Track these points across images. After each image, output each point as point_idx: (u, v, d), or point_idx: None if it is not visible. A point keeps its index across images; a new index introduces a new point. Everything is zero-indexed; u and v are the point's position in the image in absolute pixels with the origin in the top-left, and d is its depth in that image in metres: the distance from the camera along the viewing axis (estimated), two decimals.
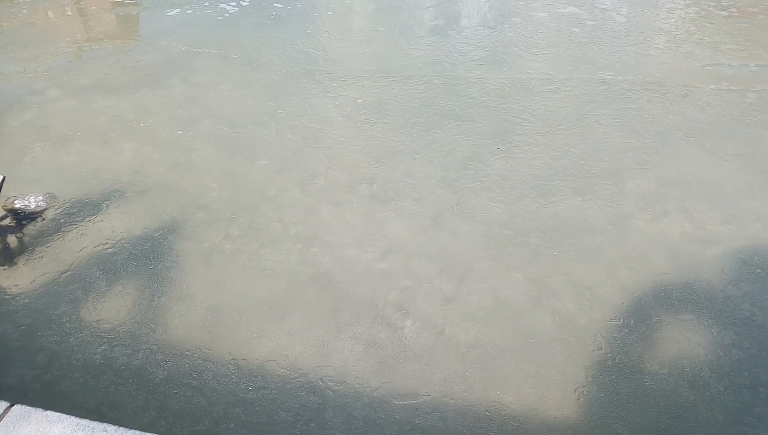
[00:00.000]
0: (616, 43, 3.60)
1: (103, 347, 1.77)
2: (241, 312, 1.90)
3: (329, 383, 1.68)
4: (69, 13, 4.24)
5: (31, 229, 2.24)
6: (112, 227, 2.26)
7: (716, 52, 3.44)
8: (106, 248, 2.15)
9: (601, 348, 1.77)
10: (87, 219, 2.29)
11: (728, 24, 3.86)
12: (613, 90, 3.08)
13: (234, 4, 4.14)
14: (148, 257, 2.11)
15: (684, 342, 1.77)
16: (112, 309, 1.90)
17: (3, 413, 1.39)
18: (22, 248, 2.15)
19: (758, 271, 2.01)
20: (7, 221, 2.27)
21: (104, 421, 1.39)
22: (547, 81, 3.19)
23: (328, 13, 4.16)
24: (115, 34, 3.97)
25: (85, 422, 1.38)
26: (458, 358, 1.76)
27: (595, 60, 3.39)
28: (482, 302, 1.95)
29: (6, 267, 2.07)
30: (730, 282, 1.97)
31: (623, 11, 4.01)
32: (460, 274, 2.06)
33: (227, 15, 3.99)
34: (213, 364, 1.72)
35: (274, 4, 4.17)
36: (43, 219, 2.29)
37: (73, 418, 1.39)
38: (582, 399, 1.63)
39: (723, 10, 4.03)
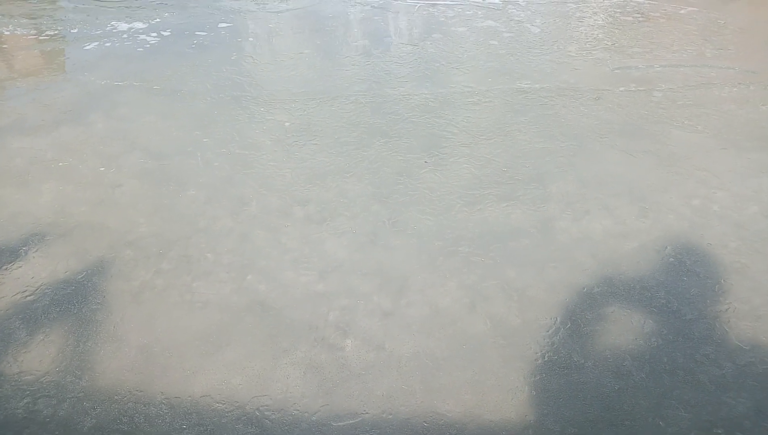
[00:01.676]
0: (532, 53, 3.77)
1: (25, 400, 1.69)
2: (173, 349, 1.85)
3: (267, 413, 1.66)
4: None
5: None
6: (32, 273, 2.16)
7: (624, 56, 3.67)
8: (26, 296, 2.05)
9: (532, 348, 1.83)
10: (4, 267, 2.18)
11: (633, 29, 4.13)
12: (530, 98, 3.22)
13: (155, 34, 4.07)
14: (71, 301, 2.03)
15: (607, 334, 1.86)
16: (34, 359, 1.82)
17: None
18: None
19: (671, 259, 2.14)
20: None
21: None
22: (468, 93, 3.31)
23: (250, 39, 4.16)
24: (30, 72, 3.82)
25: None
26: (397, 373, 1.78)
27: (513, 70, 3.54)
28: (419, 314, 1.98)
29: None
30: (646, 273, 2.10)
31: (537, 22, 4.22)
32: (397, 288, 2.09)
33: (148, 46, 3.92)
34: (145, 406, 1.67)
35: (196, 33, 4.13)
36: None
37: None
38: (516, 400, 1.68)
39: (628, 16, 4.31)
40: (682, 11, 4.39)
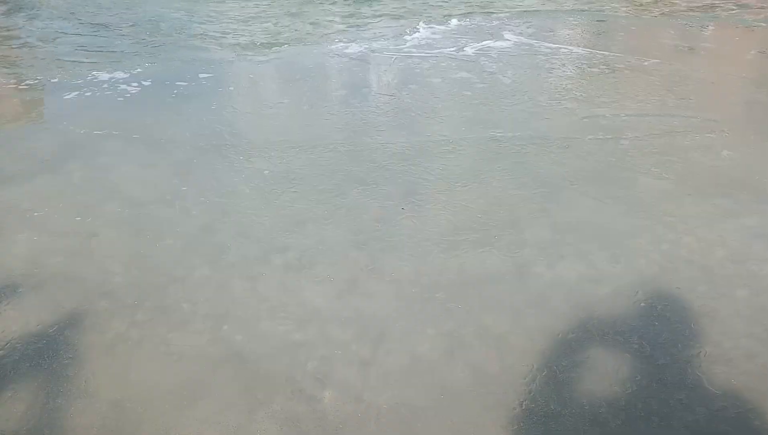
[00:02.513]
0: (504, 103, 3.91)
1: None
2: (147, 403, 1.81)
3: None
4: None
5: None
6: (2, 327, 2.11)
7: (592, 106, 3.83)
8: None
9: (510, 396, 1.84)
10: None
11: (600, 80, 4.32)
12: (503, 146, 3.32)
13: (136, 84, 4.13)
14: (42, 356, 1.98)
15: (583, 381, 1.88)
16: (0, 418, 1.76)
17: None
18: None
19: (643, 304, 2.19)
20: None
21: None
22: (444, 142, 3.40)
23: (230, 89, 4.24)
24: (8, 120, 3.83)
25: None
26: (376, 425, 1.76)
27: (486, 119, 3.67)
28: (398, 362, 1.98)
29: None
30: (619, 318, 2.14)
31: (508, 73, 4.39)
32: (376, 336, 2.09)
33: (129, 96, 3.96)
34: None
35: (177, 83, 4.20)
36: None
37: None
38: None
39: (595, 67, 4.51)
40: (646, 63, 4.62)
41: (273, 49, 5.02)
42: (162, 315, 2.17)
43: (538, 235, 2.61)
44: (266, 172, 3.12)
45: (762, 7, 6.36)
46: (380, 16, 5.99)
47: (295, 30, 5.56)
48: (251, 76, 4.54)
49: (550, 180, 3.02)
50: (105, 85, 4.10)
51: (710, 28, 5.88)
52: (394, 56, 4.76)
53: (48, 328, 2.11)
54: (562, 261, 2.45)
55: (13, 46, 5.18)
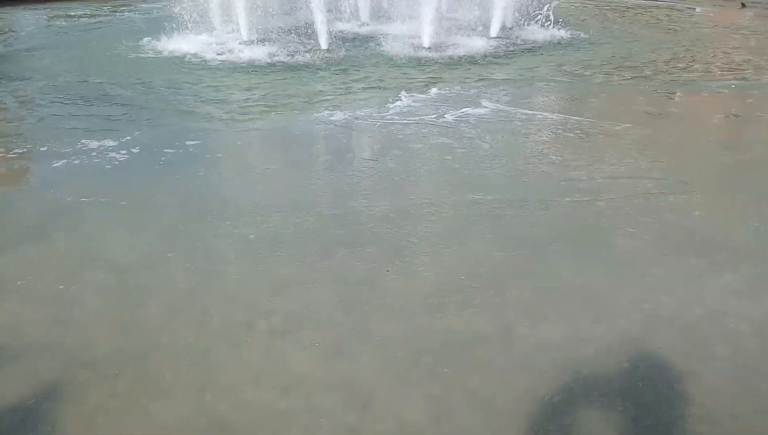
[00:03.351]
0: (483, 167, 4.05)
1: None
2: None
3: None
4: None
5: None
6: None
7: (568, 169, 3.97)
8: None
9: None
10: None
11: (575, 144, 4.51)
12: (484, 209, 3.42)
13: (124, 152, 4.21)
14: (17, 430, 1.92)
15: None
16: None
17: None
18: None
19: (626, 365, 2.22)
20: None
21: None
22: (426, 205, 3.49)
23: (218, 156, 4.34)
24: None
25: None
26: None
27: (467, 183, 3.78)
28: (385, 430, 1.96)
29: None
30: (603, 379, 2.15)
31: (487, 139, 4.57)
32: (362, 402, 2.07)
33: (117, 163, 4.03)
34: None
35: (166, 150, 4.29)
36: None
37: None
38: None
39: (569, 132, 4.72)
40: (617, 127, 4.85)
41: (261, 117, 5.17)
42: (144, 384, 2.14)
43: (520, 296, 2.66)
44: (252, 236, 3.16)
45: (723, 74, 6.75)
46: (364, 85, 6.24)
47: (283, 100, 5.76)
48: (239, 143, 4.66)
49: (531, 241, 3.10)
50: (94, 153, 4.17)
51: (677, 94, 6.21)
52: (378, 123, 4.93)
53: (25, 401, 2.05)
54: (545, 322, 2.48)
55: (2, 115, 5.28)
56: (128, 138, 4.45)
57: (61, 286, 2.73)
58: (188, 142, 4.44)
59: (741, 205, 3.53)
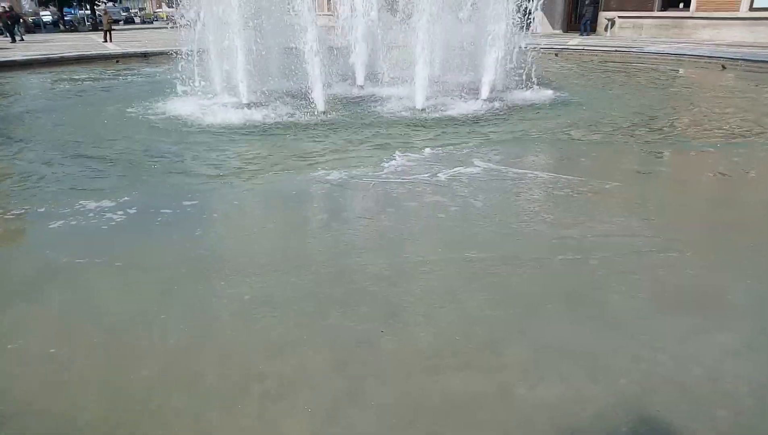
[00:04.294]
0: (477, 225, 4.11)
1: None
2: None
3: None
4: None
5: None
6: None
7: (559, 227, 4.03)
8: None
9: None
10: None
11: (566, 203, 4.59)
12: (478, 267, 3.44)
13: (121, 212, 4.25)
14: None
15: None
16: None
17: None
18: None
19: (624, 428, 2.18)
20: None
21: None
22: (421, 263, 3.51)
23: (214, 215, 4.39)
24: None
25: None
26: None
27: (460, 241, 3.82)
28: None
29: None
30: None
31: (479, 197, 4.65)
32: None
33: (113, 223, 4.06)
34: None
35: (162, 210, 4.34)
36: None
37: None
38: None
39: (560, 191, 4.81)
40: (607, 186, 4.95)
41: (258, 177, 5.27)
42: None
43: (517, 355, 2.64)
44: (246, 296, 3.15)
45: (709, 133, 6.96)
46: (360, 145, 6.40)
47: (280, 159, 5.88)
48: (235, 202, 4.72)
49: (525, 300, 3.10)
50: (91, 214, 4.21)
51: (664, 152, 6.38)
52: (373, 182, 5.02)
53: None
54: (542, 382, 2.46)
55: (3, 175, 5.35)
56: (126, 198, 4.51)
57: (53, 350, 2.69)
58: (185, 202, 4.49)
59: (732, 263, 3.57)
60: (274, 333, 2.84)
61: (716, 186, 5.25)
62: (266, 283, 3.32)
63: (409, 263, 3.54)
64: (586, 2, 23.61)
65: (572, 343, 2.72)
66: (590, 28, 23.56)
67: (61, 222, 4.10)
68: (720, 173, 5.52)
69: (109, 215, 4.19)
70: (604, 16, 23.98)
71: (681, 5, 21.45)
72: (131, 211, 4.29)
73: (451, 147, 6.18)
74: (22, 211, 4.44)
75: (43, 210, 4.39)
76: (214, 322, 2.93)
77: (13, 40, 24.36)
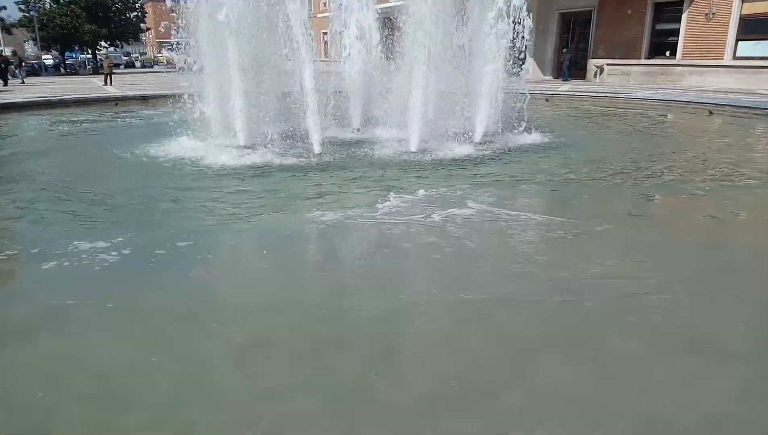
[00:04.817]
0: (472, 267, 4.12)
1: None
2: None
3: None
4: None
5: None
6: None
7: (553, 269, 4.04)
8: None
9: None
10: None
11: (559, 244, 4.61)
12: (473, 309, 3.43)
13: (115, 253, 4.23)
14: None
15: None
16: None
17: None
18: None
19: None
20: None
21: None
22: (416, 304, 3.50)
23: (209, 256, 4.38)
24: None
25: None
26: None
27: (455, 282, 3.82)
28: None
29: None
30: None
31: (474, 238, 4.68)
32: None
33: (107, 265, 4.04)
34: None
35: (156, 251, 4.32)
36: None
37: None
38: None
39: (553, 233, 4.84)
40: (599, 228, 4.99)
41: (252, 218, 5.28)
42: None
43: (514, 399, 2.60)
44: (239, 339, 3.12)
45: (698, 176, 7.08)
46: (355, 187, 6.46)
47: (275, 201, 5.92)
48: (231, 243, 4.72)
49: (521, 343, 3.08)
50: (84, 255, 4.18)
51: (655, 195, 6.46)
52: (367, 223, 5.04)
53: None
54: (541, 428, 2.42)
55: None
56: (120, 239, 4.49)
57: (40, 395, 2.63)
58: (180, 244, 4.49)
59: (727, 306, 3.57)
60: (268, 375, 2.79)
61: (707, 229, 5.30)
62: (259, 325, 3.29)
63: (403, 305, 3.53)
64: (564, 51, 24.82)
65: (570, 386, 2.69)
66: (568, 74, 24.36)
67: (54, 263, 4.07)
68: (710, 216, 5.59)
69: (102, 256, 4.17)
70: (593, 63, 24.73)
71: (668, 53, 22.18)
72: (125, 252, 4.27)
73: (445, 189, 6.24)
74: (15, 251, 4.41)
75: (35, 251, 4.37)
76: (207, 366, 2.88)
77: (5, 84, 24.62)
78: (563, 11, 26.60)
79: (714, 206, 5.86)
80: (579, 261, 4.19)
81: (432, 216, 5.19)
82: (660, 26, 22.39)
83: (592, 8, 24.74)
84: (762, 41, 19.21)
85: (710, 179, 6.95)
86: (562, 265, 4.09)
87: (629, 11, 22.81)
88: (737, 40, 19.86)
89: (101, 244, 4.39)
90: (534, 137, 9.57)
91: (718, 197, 6.20)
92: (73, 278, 3.90)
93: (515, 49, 9.24)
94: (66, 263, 4.08)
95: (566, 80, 23.58)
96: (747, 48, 19.69)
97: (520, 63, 9.49)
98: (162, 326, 3.27)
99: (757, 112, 12.97)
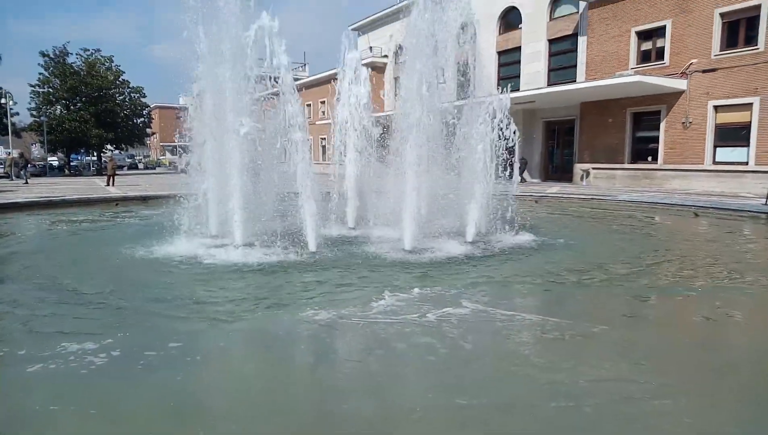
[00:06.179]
0: (467, 369, 4.04)
1: None
2: None
3: None
4: None
5: None
6: None
7: (550, 372, 3.96)
8: None
9: None
10: None
11: (555, 345, 4.56)
12: (469, 414, 3.32)
13: (103, 355, 4.14)
14: None
15: None
16: None
17: None
18: None
19: None
20: None
21: None
22: (411, 409, 3.39)
23: (198, 358, 4.29)
24: None
25: None
26: None
27: (451, 385, 3.73)
28: None
29: None
30: None
31: (469, 339, 4.63)
32: None
33: (93, 367, 3.94)
34: None
35: (146, 353, 4.23)
36: None
37: None
38: None
39: (548, 334, 4.80)
40: (595, 329, 4.96)
41: (245, 318, 5.23)
42: None
43: None
44: None
45: (689, 277, 7.15)
46: (349, 285, 6.47)
47: (269, 300, 5.89)
48: (221, 344, 4.64)
49: None
50: (72, 357, 4.09)
51: (649, 297, 6.48)
52: (361, 322, 5.00)
53: None
54: None
55: None
56: (109, 340, 4.42)
57: None
58: (170, 345, 4.41)
59: (726, 409, 3.49)
60: None
61: (702, 330, 5.27)
62: (249, 429, 3.16)
63: (398, 409, 3.42)
64: (522, 158, 26.20)
65: None
66: (522, 178, 25.26)
67: (40, 365, 3.97)
68: (704, 317, 5.58)
69: (89, 358, 4.07)
70: (579, 167, 25.76)
71: (649, 158, 23.21)
72: (113, 354, 4.18)
73: (440, 287, 6.26)
74: (0, 353, 4.31)
75: (22, 352, 4.27)
76: None
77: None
78: (547, 120, 28.18)
79: (707, 307, 5.86)
80: (576, 363, 4.12)
81: (427, 315, 5.16)
82: (640, 133, 23.66)
83: (575, 117, 26.24)
84: (737, 148, 20.26)
85: (702, 280, 7.02)
86: (559, 368, 4.02)
87: (610, 120, 24.18)
88: (715, 146, 20.93)
89: (90, 345, 4.30)
90: (525, 237, 9.75)
91: (710, 298, 6.22)
92: (58, 381, 3.77)
93: (503, 152, 9.68)
94: (52, 365, 3.97)
95: (522, 181, 24.31)
96: (725, 153, 20.72)
97: (510, 166, 9.89)
98: (144, 431, 3.13)
99: (742, 214, 13.37)
